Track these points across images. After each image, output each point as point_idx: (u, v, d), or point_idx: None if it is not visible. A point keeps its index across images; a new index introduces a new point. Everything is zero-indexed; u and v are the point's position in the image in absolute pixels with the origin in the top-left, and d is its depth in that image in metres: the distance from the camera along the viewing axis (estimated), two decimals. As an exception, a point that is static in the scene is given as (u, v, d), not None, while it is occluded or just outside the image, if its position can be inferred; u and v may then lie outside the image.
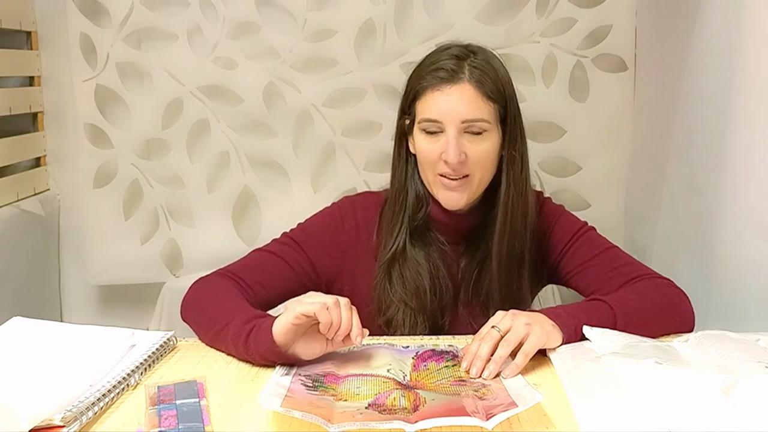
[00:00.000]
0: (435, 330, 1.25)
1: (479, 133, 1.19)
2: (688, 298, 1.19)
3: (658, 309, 1.14)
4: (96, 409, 0.89)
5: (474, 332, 1.07)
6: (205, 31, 1.97)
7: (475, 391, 0.93)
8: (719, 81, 1.38)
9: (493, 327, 1.03)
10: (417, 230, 1.26)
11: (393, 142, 1.29)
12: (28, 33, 2.02)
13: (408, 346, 1.10)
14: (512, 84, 1.24)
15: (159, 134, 2.03)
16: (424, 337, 1.18)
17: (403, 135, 1.27)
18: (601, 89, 2.01)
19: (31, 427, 0.82)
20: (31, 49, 2.03)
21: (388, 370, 1.00)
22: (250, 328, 1.03)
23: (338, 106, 2.02)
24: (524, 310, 1.23)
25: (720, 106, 1.37)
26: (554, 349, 1.04)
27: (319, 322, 0.98)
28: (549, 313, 1.07)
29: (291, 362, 1.02)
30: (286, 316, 0.99)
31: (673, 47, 1.68)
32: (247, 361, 1.05)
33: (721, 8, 1.39)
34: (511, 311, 1.05)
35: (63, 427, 0.84)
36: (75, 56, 1.97)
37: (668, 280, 1.22)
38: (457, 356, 1.05)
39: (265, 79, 1.99)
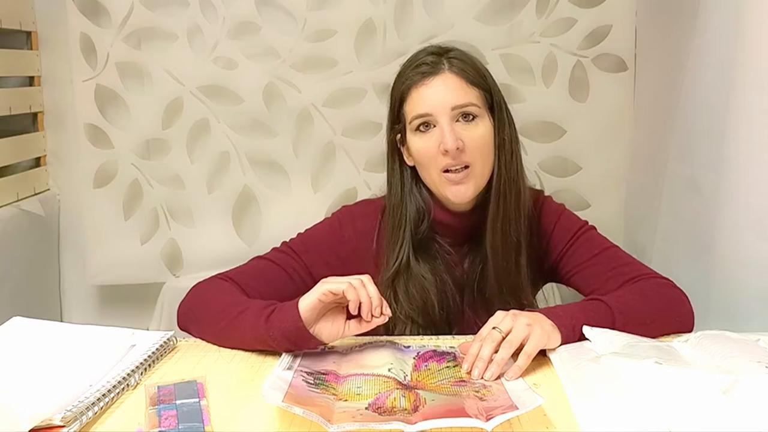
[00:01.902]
0: None
1: (471, 120, 1.19)
2: (687, 298, 1.19)
3: (657, 309, 1.14)
4: (96, 409, 0.89)
5: (478, 331, 1.07)
6: (205, 31, 1.97)
7: (476, 392, 0.93)
8: (719, 81, 1.38)
9: (494, 328, 1.02)
10: (420, 243, 1.26)
11: (386, 159, 1.29)
12: (28, 33, 2.02)
13: (409, 346, 1.10)
14: (492, 76, 1.26)
15: (159, 134, 2.03)
16: (424, 337, 1.18)
17: (395, 149, 1.27)
18: (601, 89, 2.01)
19: (31, 427, 0.82)
20: (31, 49, 2.03)
21: (389, 369, 1.00)
22: (272, 310, 1.05)
23: (338, 106, 2.01)
24: (523, 299, 1.24)
25: (720, 106, 1.37)
26: (554, 349, 1.04)
27: (342, 304, 1.01)
28: (547, 312, 1.07)
29: (307, 346, 1.04)
30: (314, 293, 1.01)
31: (673, 47, 1.68)
32: (262, 345, 1.06)
33: (721, 8, 1.39)
34: (512, 311, 1.05)
35: (63, 427, 0.84)
36: (75, 56, 1.97)
37: (668, 280, 1.22)
38: (458, 357, 1.05)
39: (265, 79, 1.99)
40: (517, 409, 0.84)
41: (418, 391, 0.93)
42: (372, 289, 1.02)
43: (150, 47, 2.01)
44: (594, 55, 1.99)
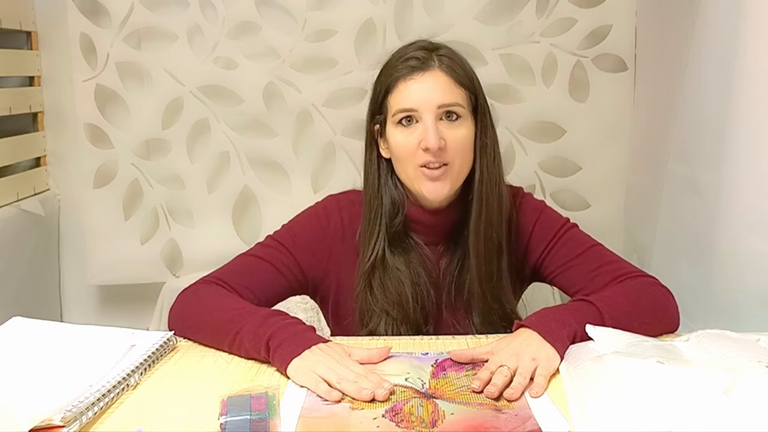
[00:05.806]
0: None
1: (455, 120, 1.18)
2: (673, 297, 1.18)
3: (645, 310, 1.13)
4: (96, 409, 0.89)
5: (457, 334, 1.04)
6: (205, 31, 1.97)
7: (495, 400, 0.92)
8: (719, 81, 1.38)
9: (501, 366, 0.98)
10: (395, 236, 1.24)
11: (363, 149, 1.27)
12: (28, 33, 2.02)
13: (427, 353, 1.08)
14: (479, 79, 1.24)
15: (159, 134, 2.03)
16: (441, 337, 1.16)
17: (373, 139, 1.26)
18: (601, 89, 2.01)
19: (31, 427, 0.82)
20: (31, 49, 2.03)
21: (406, 379, 0.98)
22: (267, 340, 1.03)
23: (338, 106, 2.02)
24: (506, 303, 1.23)
25: (720, 106, 1.37)
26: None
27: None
28: (538, 324, 1.05)
29: None
30: (303, 379, 0.98)
31: (673, 47, 1.68)
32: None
33: (721, 8, 1.39)
34: (514, 352, 1.01)
35: (63, 427, 0.84)
36: (75, 56, 1.97)
37: (653, 278, 1.21)
38: (477, 365, 1.03)
39: (265, 79, 1.99)
40: (537, 425, 0.84)
41: (437, 401, 0.92)
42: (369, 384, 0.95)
43: (150, 47, 2.01)
44: (594, 55, 1.99)
